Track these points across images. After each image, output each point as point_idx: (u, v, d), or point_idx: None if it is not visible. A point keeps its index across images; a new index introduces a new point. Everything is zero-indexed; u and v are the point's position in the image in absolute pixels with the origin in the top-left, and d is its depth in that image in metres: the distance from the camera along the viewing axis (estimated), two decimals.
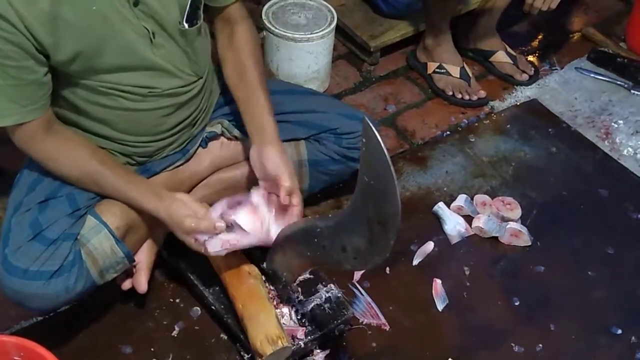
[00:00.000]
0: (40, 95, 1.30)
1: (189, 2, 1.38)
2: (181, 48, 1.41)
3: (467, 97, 2.16)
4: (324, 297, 1.52)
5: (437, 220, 1.82)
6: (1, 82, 1.23)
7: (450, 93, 2.17)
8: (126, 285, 1.54)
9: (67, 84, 1.34)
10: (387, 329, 1.59)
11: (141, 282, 1.52)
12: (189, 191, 1.64)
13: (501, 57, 2.26)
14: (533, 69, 2.27)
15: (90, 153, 1.40)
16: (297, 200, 1.41)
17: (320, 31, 2.02)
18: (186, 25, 1.39)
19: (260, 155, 1.45)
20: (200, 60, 1.49)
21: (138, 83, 1.38)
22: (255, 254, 1.51)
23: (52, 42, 1.23)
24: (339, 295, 1.53)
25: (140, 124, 1.46)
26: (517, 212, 1.81)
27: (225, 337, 1.54)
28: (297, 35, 2.00)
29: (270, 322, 1.41)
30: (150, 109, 1.44)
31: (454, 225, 1.78)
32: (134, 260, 1.50)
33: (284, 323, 1.45)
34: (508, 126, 2.11)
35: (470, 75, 2.20)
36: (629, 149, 2.05)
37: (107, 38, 1.28)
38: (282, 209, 1.40)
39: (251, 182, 1.65)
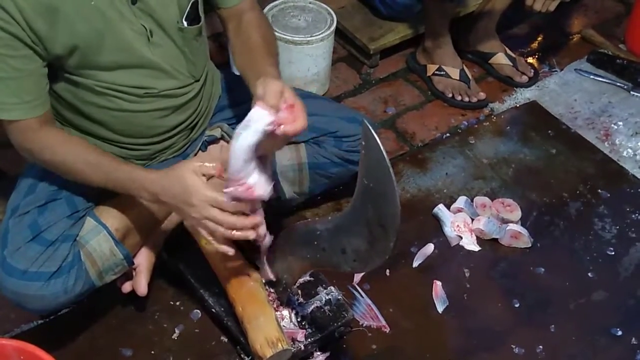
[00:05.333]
0: (41, 89, 1.30)
1: (190, 2, 1.38)
2: (179, 48, 1.41)
3: (466, 99, 2.16)
4: (324, 299, 1.52)
5: (437, 222, 1.82)
6: (3, 74, 1.24)
7: (450, 95, 2.17)
8: (126, 287, 1.54)
9: (65, 83, 1.35)
10: (387, 331, 1.59)
11: (141, 284, 1.52)
12: None
13: (501, 59, 2.26)
14: (532, 70, 2.27)
15: (85, 142, 1.40)
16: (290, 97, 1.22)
17: (319, 34, 2.02)
18: (185, 24, 1.39)
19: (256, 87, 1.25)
20: (197, 62, 1.49)
21: (134, 83, 1.38)
22: (256, 257, 1.51)
23: (48, 34, 1.24)
24: (339, 297, 1.53)
25: (136, 126, 1.46)
26: (517, 214, 1.81)
27: (226, 340, 1.55)
28: (297, 38, 2.00)
29: (270, 324, 1.41)
30: (146, 110, 1.44)
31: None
32: (133, 263, 1.51)
33: (283, 325, 1.45)
34: (508, 128, 2.11)
35: (470, 77, 2.20)
36: (629, 150, 2.06)
37: (104, 34, 1.29)
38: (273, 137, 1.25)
39: None
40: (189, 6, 1.38)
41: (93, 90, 1.36)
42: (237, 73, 1.51)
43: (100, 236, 1.42)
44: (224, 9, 1.48)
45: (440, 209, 1.82)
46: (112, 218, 1.45)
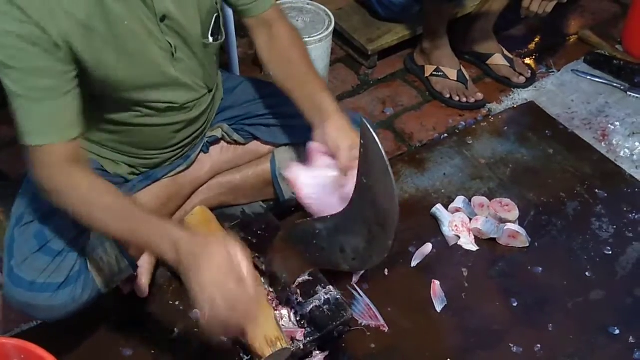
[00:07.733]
0: (75, 111, 1.22)
1: (214, 17, 1.38)
2: (199, 62, 1.41)
3: (464, 100, 2.17)
4: (323, 298, 1.52)
5: (435, 222, 1.82)
6: (38, 95, 1.16)
7: (448, 96, 2.18)
8: (127, 288, 1.54)
9: (84, 97, 1.28)
10: (386, 330, 1.59)
11: (142, 286, 1.52)
12: (189, 196, 1.65)
13: (498, 59, 2.27)
14: (530, 71, 2.28)
15: (114, 189, 1.25)
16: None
17: (318, 35, 2.03)
18: (211, 40, 1.40)
19: (322, 134, 1.36)
20: (213, 73, 1.50)
21: (156, 98, 1.37)
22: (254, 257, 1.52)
23: (83, 54, 1.19)
24: (338, 296, 1.53)
25: (150, 139, 1.46)
26: (515, 214, 1.82)
27: (225, 339, 1.55)
28: None
29: (269, 323, 1.41)
30: (163, 124, 1.43)
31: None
32: (137, 267, 1.50)
33: (283, 325, 1.46)
34: (505, 128, 2.12)
35: (468, 77, 2.21)
36: (626, 150, 2.06)
37: (134, 53, 1.27)
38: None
39: (251, 186, 1.66)
40: (212, 21, 1.38)
41: (113, 106, 1.35)
42: (238, 74, 1.52)
43: (105, 244, 1.41)
44: (250, 18, 1.48)
45: (439, 209, 1.82)
46: None
